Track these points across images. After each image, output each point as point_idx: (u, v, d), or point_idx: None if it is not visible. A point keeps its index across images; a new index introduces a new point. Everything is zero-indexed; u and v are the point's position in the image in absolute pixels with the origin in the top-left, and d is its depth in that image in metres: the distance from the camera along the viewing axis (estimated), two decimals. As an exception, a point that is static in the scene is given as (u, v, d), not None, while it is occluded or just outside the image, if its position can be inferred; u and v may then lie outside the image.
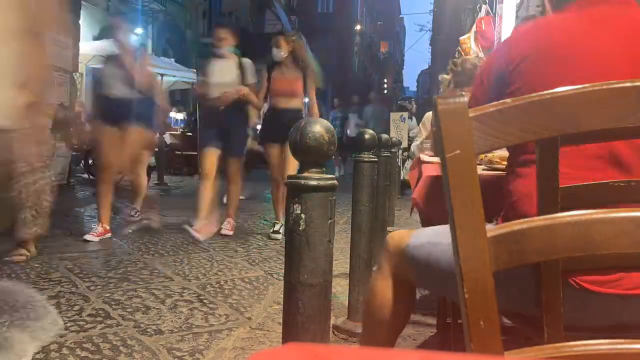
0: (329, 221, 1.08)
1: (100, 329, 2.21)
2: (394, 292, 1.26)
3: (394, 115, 9.15)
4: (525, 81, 1.08)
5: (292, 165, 3.92)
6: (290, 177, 1.10)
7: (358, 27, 35.69)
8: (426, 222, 2.16)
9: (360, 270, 2.36)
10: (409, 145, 8.11)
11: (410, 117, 9.04)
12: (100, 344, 2.06)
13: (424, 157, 2.10)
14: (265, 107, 4.70)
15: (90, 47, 9.75)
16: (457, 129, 0.62)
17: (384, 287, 1.27)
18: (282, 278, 1.62)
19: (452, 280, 0.67)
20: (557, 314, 0.85)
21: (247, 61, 4.44)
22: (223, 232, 4.44)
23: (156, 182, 7.98)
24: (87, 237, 3.93)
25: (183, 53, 15.45)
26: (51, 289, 2.73)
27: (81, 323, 2.27)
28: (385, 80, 46.94)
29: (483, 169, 1.70)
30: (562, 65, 1.08)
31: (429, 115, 3.63)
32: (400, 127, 8.70)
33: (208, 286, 2.92)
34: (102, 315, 2.38)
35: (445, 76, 2.91)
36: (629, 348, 0.68)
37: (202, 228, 4.15)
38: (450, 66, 2.75)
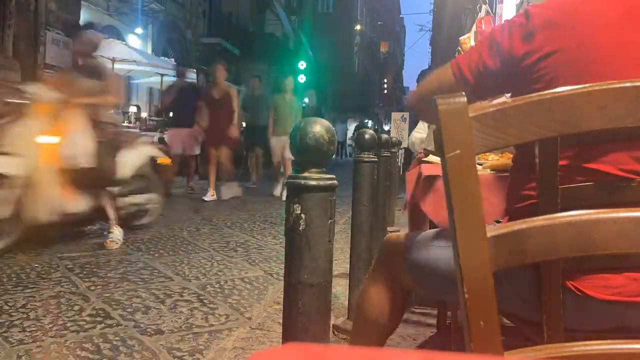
0: (329, 221, 1.08)
1: (100, 329, 2.21)
2: (387, 295, 1.25)
3: (395, 115, 9.13)
4: (553, 77, 0.97)
5: None
6: (290, 177, 1.10)
7: (358, 27, 35.68)
8: (413, 222, 2.15)
9: (360, 270, 2.35)
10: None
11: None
12: (100, 344, 2.06)
13: (432, 158, 2.08)
14: None
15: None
16: (457, 129, 0.62)
17: (377, 290, 1.26)
18: (282, 278, 1.62)
19: (450, 282, 0.66)
20: (557, 316, 0.85)
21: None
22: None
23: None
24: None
25: (183, 53, 15.43)
26: (51, 289, 2.73)
27: (81, 323, 2.27)
28: (385, 80, 46.92)
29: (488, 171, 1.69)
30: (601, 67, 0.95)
31: None
32: (400, 127, 8.69)
33: (208, 286, 2.92)
34: (102, 315, 2.38)
35: None
36: (629, 348, 0.68)
37: None
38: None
